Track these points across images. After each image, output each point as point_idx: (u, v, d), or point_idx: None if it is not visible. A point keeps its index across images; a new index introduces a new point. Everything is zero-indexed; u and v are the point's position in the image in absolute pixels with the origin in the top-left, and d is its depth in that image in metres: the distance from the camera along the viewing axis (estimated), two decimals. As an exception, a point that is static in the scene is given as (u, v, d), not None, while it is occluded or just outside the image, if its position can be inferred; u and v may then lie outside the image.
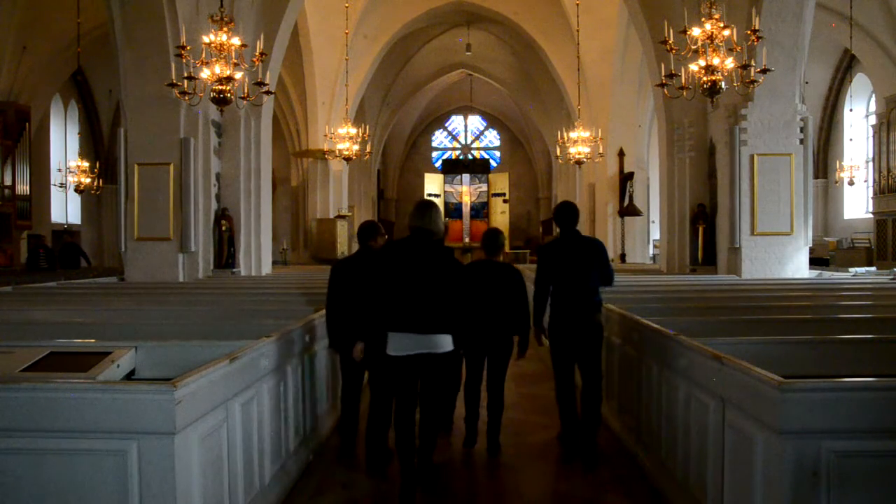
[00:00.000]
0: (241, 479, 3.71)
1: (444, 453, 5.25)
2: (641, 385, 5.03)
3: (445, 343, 4.32)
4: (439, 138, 35.64)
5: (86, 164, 19.52)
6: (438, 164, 34.08)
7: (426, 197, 28.79)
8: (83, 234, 22.84)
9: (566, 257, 5.21)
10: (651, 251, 20.71)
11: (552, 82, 22.69)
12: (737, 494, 3.34)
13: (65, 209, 22.09)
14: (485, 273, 5.33)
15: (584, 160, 17.02)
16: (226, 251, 11.49)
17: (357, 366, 5.02)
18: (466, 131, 35.56)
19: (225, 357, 3.52)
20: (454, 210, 30.09)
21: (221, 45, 8.12)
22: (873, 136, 18.56)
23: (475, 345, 5.28)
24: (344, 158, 17.94)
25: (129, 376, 4.00)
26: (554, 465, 5.13)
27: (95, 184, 20.11)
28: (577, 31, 17.21)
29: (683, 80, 8.29)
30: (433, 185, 29.98)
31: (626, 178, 19.27)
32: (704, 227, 11.40)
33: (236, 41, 8.24)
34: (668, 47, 8.13)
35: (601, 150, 17.22)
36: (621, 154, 19.55)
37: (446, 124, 35.50)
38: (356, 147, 17.54)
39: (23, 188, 18.15)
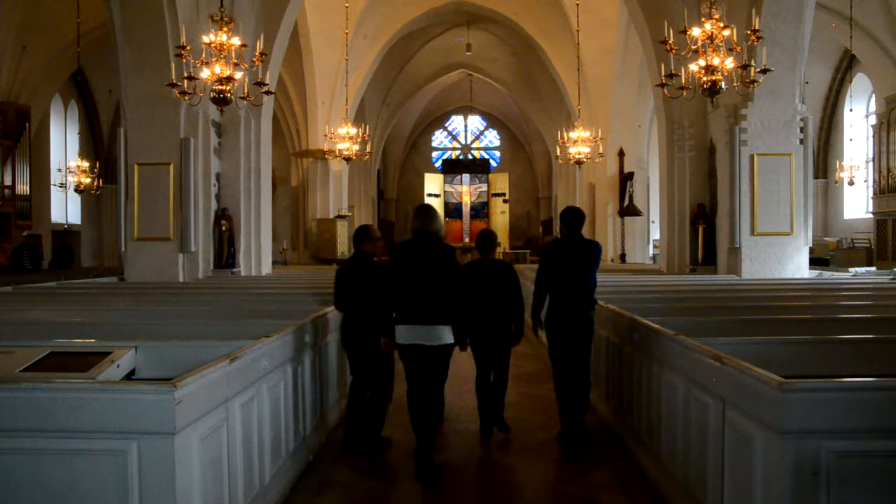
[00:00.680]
0: (241, 479, 3.71)
1: (447, 450, 5.27)
2: (641, 385, 5.03)
3: (445, 336, 4.82)
4: (439, 138, 35.64)
5: (86, 164, 19.53)
6: (438, 164, 34.08)
7: (426, 197, 28.83)
8: (83, 234, 22.86)
9: (568, 257, 5.51)
10: (651, 251, 20.71)
11: (552, 82, 22.69)
12: (737, 494, 3.34)
13: (65, 209, 22.10)
14: (483, 270, 5.75)
15: (584, 160, 17.01)
16: (226, 251, 11.49)
17: (363, 362, 5.36)
18: (466, 131, 35.56)
19: (225, 357, 3.52)
20: (454, 210, 30.11)
21: (221, 45, 8.12)
22: (873, 136, 18.57)
23: (478, 336, 5.65)
24: (344, 158, 17.94)
25: (129, 376, 4.00)
26: (554, 465, 5.13)
27: (95, 184, 20.11)
28: (577, 31, 17.22)
29: (683, 80, 8.29)
30: (433, 185, 29.97)
31: (626, 178, 19.27)
32: (704, 227, 11.41)
33: (236, 41, 8.23)
34: (668, 47, 8.13)
35: (601, 150, 17.21)
36: (621, 154, 19.55)
37: (446, 124, 35.50)
38: (356, 147, 17.54)
39: (23, 188, 18.16)
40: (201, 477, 3.15)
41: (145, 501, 2.88)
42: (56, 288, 9.12)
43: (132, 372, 4.06)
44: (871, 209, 19.00)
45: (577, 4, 17.16)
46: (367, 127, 18.85)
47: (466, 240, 28.04)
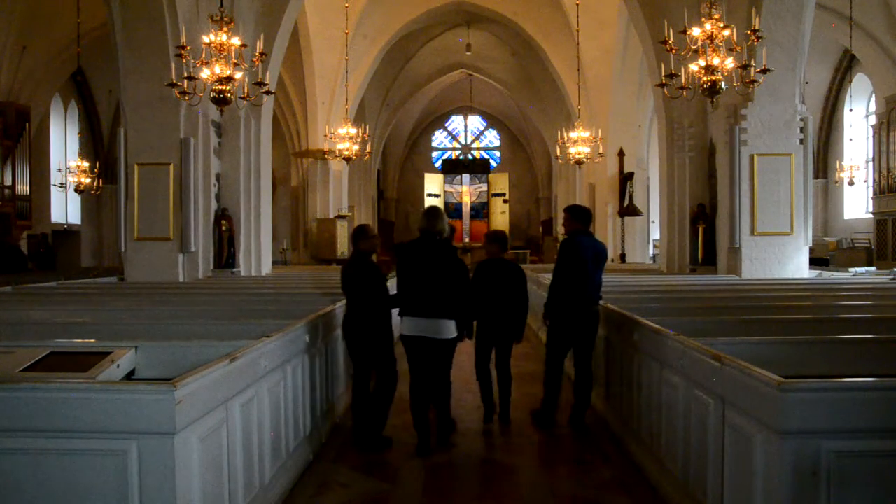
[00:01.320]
0: (241, 479, 3.71)
1: (447, 450, 5.27)
2: (641, 385, 5.03)
3: (448, 329, 5.21)
4: (439, 138, 35.64)
5: (86, 164, 19.51)
6: (438, 164, 34.08)
7: (426, 197, 28.83)
8: (83, 234, 22.87)
9: (587, 256, 5.81)
10: (651, 251, 20.71)
11: (552, 82, 22.69)
12: (737, 494, 3.34)
13: (65, 209, 22.10)
14: (496, 271, 6.09)
15: (584, 160, 17.02)
16: (226, 251, 11.50)
17: (363, 353, 5.51)
18: (466, 131, 35.56)
19: (225, 357, 3.52)
20: (454, 210, 30.09)
21: (221, 45, 8.11)
22: (873, 136, 18.56)
23: (484, 332, 6.04)
24: (344, 158, 17.94)
25: (129, 376, 4.00)
26: (554, 465, 5.13)
27: (95, 184, 20.10)
28: (577, 31, 17.22)
29: (683, 80, 8.29)
30: (433, 185, 29.95)
31: (626, 178, 19.27)
32: (704, 227, 11.41)
33: (236, 41, 8.23)
34: (668, 47, 8.13)
35: (601, 150, 17.21)
36: (621, 154, 19.54)
37: (446, 124, 35.50)
38: (356, 147, 17.53)
39: (23, 188, 18.15)
40: (201, 477, 3.15)
41: (145, 501, 2.87)
42: (56, 288, 9.13)
43: (132, 372, 4.06)
44: (871, 209, 18.99)
45: (577, 4, 17.16)
46: (367, 127, 18.85)
47: (467, 240, 28.01)
